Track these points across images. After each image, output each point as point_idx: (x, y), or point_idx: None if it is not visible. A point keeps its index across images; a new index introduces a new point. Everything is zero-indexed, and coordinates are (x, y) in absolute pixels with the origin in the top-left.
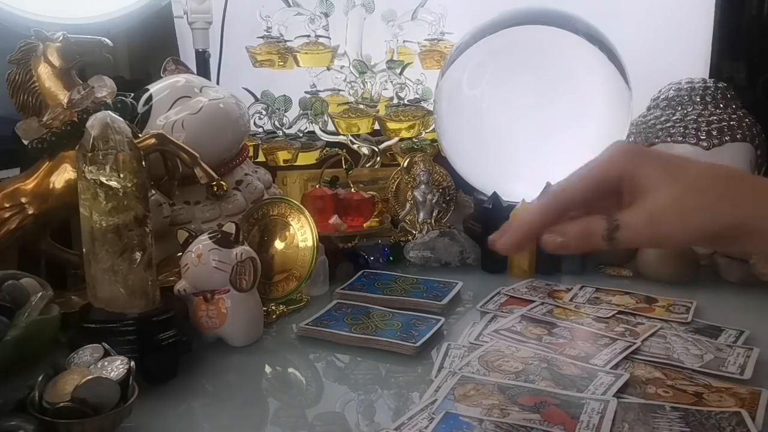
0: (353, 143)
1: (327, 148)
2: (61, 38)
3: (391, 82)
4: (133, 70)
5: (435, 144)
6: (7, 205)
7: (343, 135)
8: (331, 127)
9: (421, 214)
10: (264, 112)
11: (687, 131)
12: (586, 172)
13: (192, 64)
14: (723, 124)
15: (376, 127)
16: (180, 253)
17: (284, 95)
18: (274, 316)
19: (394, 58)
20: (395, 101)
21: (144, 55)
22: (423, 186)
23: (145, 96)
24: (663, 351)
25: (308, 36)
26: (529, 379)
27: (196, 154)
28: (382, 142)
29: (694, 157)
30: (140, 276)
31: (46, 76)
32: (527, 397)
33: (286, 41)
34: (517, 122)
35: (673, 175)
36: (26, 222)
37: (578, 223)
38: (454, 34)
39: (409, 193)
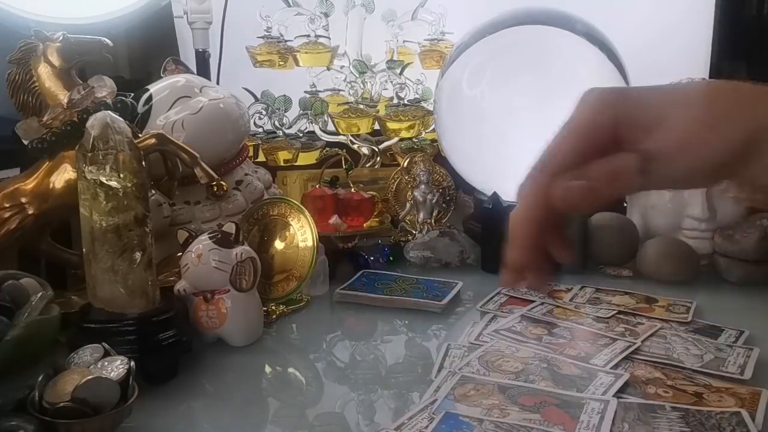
0: (353, 143)
1: (327, 148)
2: (61, 38)
3: (391, 82)
4: (133, 70)
5: (435, 144)
6: (7, 205)
7: (343, 135)
8: (331, 127)
9: (421, 214)
10: (264, 112)
11: None
12: (572, 127)
13: (192, 64)
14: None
15: (376, 127)
16: (180, 253)
17: (284, 95)
18: (274, 316)
19: (394, 58)
20: (395, 101)
21: (144, 55)
22: (423, 186)
23: (145, 96)
24: (663, 351)
25: (308, 36)
26: (529, 379)
27: (196, 154)
28: (382, 142)
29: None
30: (140, 276)
31: (46, 76)
32: (527, 397)
33: (286, 41)
34: (517, 122)
35: (674, 100)
36: (26, 222)
37: (603, 163)
38: (454, 34)
39: (409, 193)
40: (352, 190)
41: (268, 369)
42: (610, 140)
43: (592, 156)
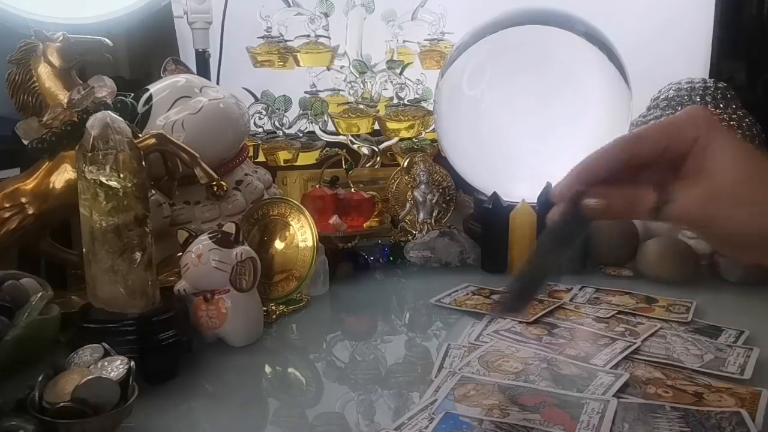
0: (353, 143)
1: (327, 148)
2: (61, 38)
3: (391, 82)
4: (133, 70)
5: (435, 144)
6: (7, 205)
7: (343, 135)
8: (331, 127)
9: (421, 214)
10: (264, 112)
11: None
12: (663, 126)
13: (192, 64)
14: (723, 124)
15: (376, 127)
16: (180, 253)
17: (284, 95)
18: (274, 316)
19: (394, 58)
20: (395, 101)
21: (144, 55)
22: (423, 186)
23: (145, 96)
24: (663, 351)
25: (308, 36)
26: (529, 379)
27: (196, 154)
28: (382, 142)
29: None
30: (140, 276)
31: (46, 76)
32: (527, 397)
33: (286, 41)
34: (517, 122)
35: (742, 160)
36: (26, 222)
37: (625, 189)
38: (454, 34)
39: (409, 193)
40: (352, 190)
41: (268, 369)
42: (679, 158)
43: (664, 158)
